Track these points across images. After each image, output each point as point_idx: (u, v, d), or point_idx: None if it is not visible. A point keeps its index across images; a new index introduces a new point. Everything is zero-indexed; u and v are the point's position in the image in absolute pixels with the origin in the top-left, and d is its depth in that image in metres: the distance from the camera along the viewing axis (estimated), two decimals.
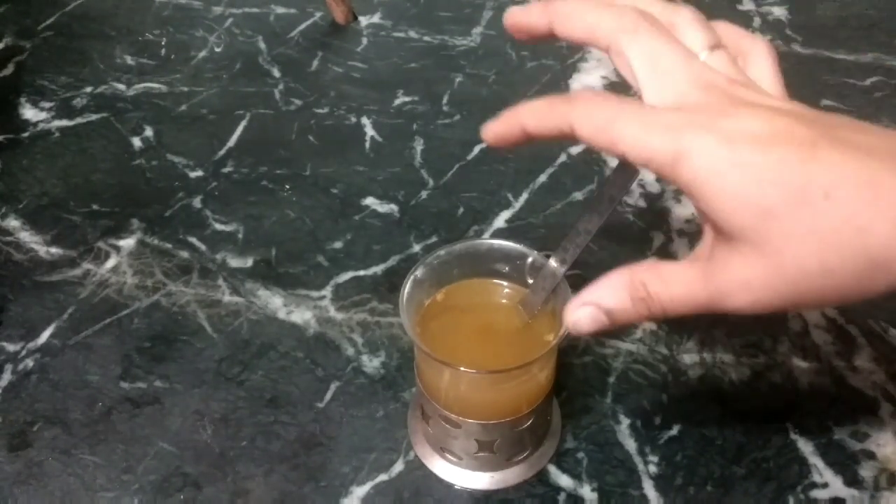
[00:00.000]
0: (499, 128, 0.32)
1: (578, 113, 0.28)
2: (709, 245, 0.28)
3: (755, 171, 0.24)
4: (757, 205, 0.24)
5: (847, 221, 0.23)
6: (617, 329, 0.29)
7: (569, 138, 0.29)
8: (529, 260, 0.37)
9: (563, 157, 0.57)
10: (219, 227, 0.53)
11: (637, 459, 0.39)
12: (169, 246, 0.51)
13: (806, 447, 0.40)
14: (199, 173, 0.57)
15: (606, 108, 0.27)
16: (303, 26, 0.72)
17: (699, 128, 0.25)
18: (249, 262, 0.50)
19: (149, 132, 0.60)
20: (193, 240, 0.52)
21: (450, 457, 0.38)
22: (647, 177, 0.55)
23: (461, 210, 0.53)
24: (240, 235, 0.52)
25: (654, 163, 0.26)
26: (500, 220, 0.52)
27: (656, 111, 0.27)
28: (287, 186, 0.56)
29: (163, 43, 0.70)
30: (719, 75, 0.28)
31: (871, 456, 0.39)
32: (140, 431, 0.41)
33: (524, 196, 0.54)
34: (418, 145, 0.59)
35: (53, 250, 0.51)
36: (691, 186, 0.25)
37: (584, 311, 0.29)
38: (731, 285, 0.26)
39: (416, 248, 0.51)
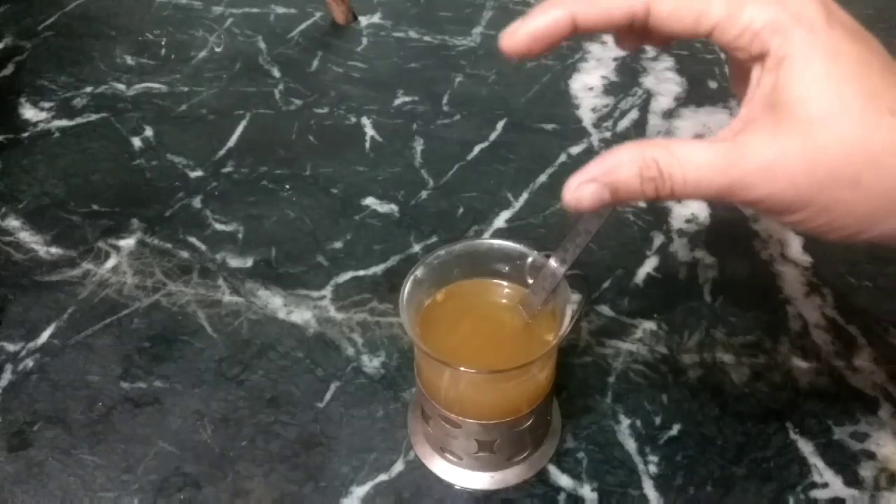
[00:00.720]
0: (535, 25, 0.26)
1: None
2: (743, 125, 0.26)
3: (847, 64, 0.25)
4: (836, 96, 0.24)
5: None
6: (622, 202, 0.27)
7: (636, 26, 0.26)
8: (529, 260, 0.37)
9: (563, 157, 0.57)
10: (219, 227, 0.53)
11: (637, 459, 0.39)
12: (169, 246, 0.51)
13: (806, 447, 0.40)
14: (199, 173, 0.57)
15: None
16: (303, 26, 0.72)
17: (805, 4, 0.25)
18: (249, 262, 0.50)
19: (149, 132, 0.60)
20: (193, 240, 0.52)
21: (450, 457, 0.38)
22: None
23: (461, 210, 0.53)
24: (240, 235, 0.52)
25: (749, 33, 0.25)
26: (500, 220, 0.52)
27: None
28: (287, 186, 0.56)
29: (163, 43, 0.70)
30: None
31: (871, 456, 0.39)
32: (140, 431, 0.41)
33: (524, 196, 0.54)
34: (418, 145, 0.59)
35: (53, 250, 0.51)
36: (785, 55, 0.25)
37: (587, 188, 0.26)
38: (756, 173, 0.25)
39: (416, 248, 0.51)
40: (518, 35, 0.27)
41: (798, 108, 0.25)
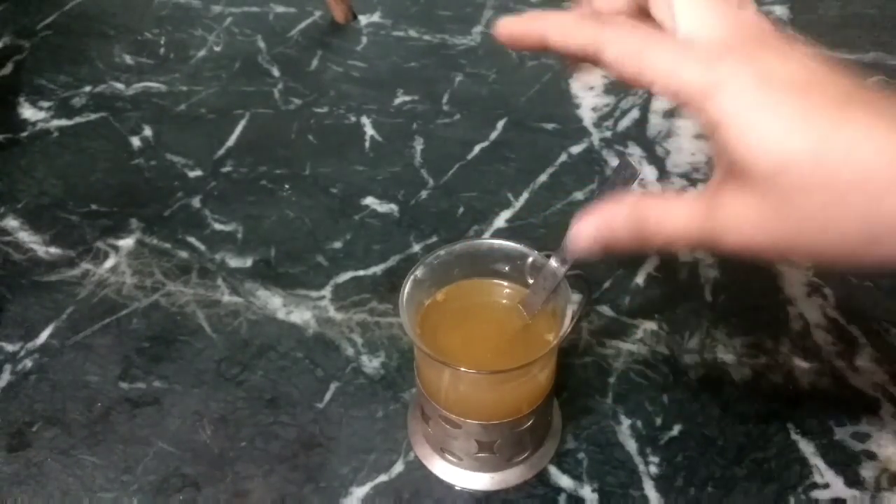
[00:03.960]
0: (516, 28, 0.30)
1: (609, 36, 0.27)
2: (716, 183, 0.28)
3: (786, 117, 0.24)
4: (780, 150, 0.24)
5: (861, 185, 0.23)
6: (613, 253, 0.29)
7: (588, 60, 0.28)
8: (530, 260, 0.36)
9: (563, 157, 0.57)
10: (218, 226, 0.52)
11: (638, 460, 0.39)
12: (168, 246, 0.51)
13: (807, 447, 0.39)
14: (199, 173, 0.57)
15: (639, 35, 0.27)
16: (302, 25, 0.72)
17: (736, 63, 0.25)
18: (249, 262, 0.50)
19: (148, 132, 0.60)
20: (192, 240, 0.51)
21: (450, 457, 0.38)
22: (649, 176, 0.55)
23: (461, 210, 0.53)
24: (239, 235, 0.52)
25: (683, 94, 0.26)
26: (501, 220, 0.52)
27: (691, 43, 0.27)
28: (286, 186, 0.55)
29: (162, 42, 0.70)
30: (759, 18, 0.27)
31: (872, 456, 0.39)
32: (139, 432, 0.41)
33: (524, 196, 0.54)
34: (418, 145, 0.58)
35: (52, 250, 0.51)
36: (718, 121, 0.25)
37: (586, 229, 0.29)
38: (729, 223, 0.26)
39: (416, 248, 0.51)
40: (505, 27, 0.30)
41: (746, 170, 0.25)
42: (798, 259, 0.26)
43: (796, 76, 0.25)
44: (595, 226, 0.29)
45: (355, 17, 0.72)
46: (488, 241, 0.38)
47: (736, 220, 0.26)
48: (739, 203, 0.26)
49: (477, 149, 0.58)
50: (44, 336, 0.46)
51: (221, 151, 0.58)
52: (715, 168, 0.29)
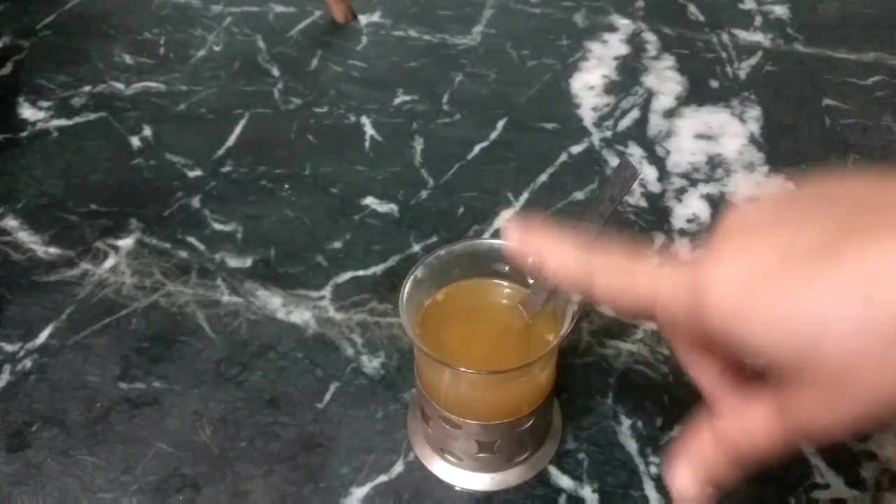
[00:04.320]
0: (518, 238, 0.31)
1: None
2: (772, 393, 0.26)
3: (777, 306, 0.22)
4: (793, 336, 0.22)
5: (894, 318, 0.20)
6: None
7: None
8: (530, 260, 0.36)
9: (563, 157, 0.57)
10: (218, 226, 0.52)
11: (638, 460, 0.39)
12: (167, 246, 0.51)
13: (807, 448, 0.39)
14: (198, 173, 0.57)
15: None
16: (302, 25, 0.72)
17: (714, 264, 0.24)
18: (248, 262, 0.50)
19: (147, 132, 0.60)
20: (192, 240, 0.51)
21: (450, 458, 0.38)
22: (649, 176, 0.55)
23: (461, 210, 0.53)
24: (239, 235, 0.52)
25: (669, 315, 0.26)
26: (501, 220, 0.52)
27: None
28: (286, 186, 0.55)
29: (161, 42, 0.70)
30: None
31: (872, 457, 0.39)
32: (139, 432, 0.41)
33: (525, 196, 0.54)
34: (418, 145, 0.58)
35: (52, 250, 0.51)
36: (722, 333, 0.24)
37: (684, 481, 0.27)
38: (811, 417, 0.24)
39: (416, 247, 0.50)
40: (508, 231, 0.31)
41: (778, 366, 0.23)
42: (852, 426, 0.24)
43: (764, 257, 0.23)
44: (692, 475, 0.27)
45: (355, 17, 0.72)
46: (488, 241, 0.38)
47: (814, 417, 0.23)
48: (805, 399, 0.23)
49: (477, 149, 0.58)
50: (43, 336, 0.46)
51: (221, 151, 0.58)
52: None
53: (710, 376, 0.30)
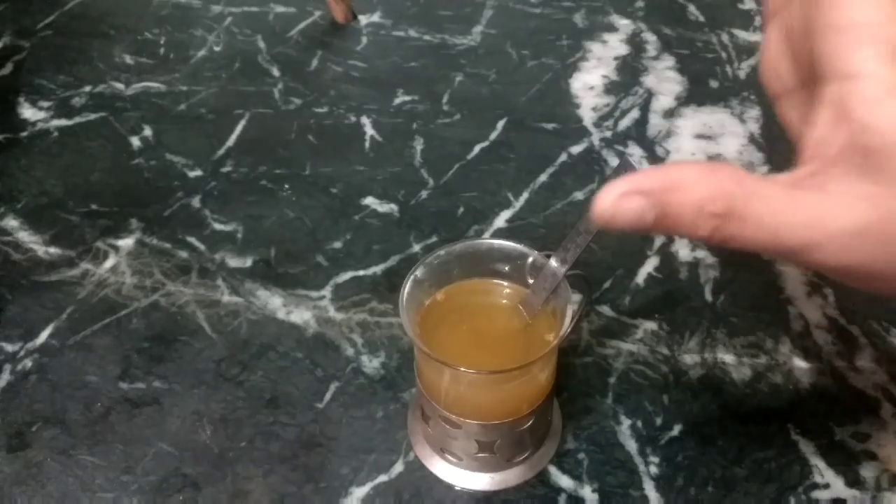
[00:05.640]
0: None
1: None
2: (811, 172, 0.21)
3: None
4: None
5: None
6: (661, 233, 0.23)
7: None
8: (530, 260, 0.36)
9: (563, 157, 0.57)
10: (218, 226, 0.52)
11: (638, 460, 0.39)
12: (168, 246, 0.51)
13: (807, 448, 0.39)
14: (199, 173, 0.57)
15: None
16: (302, 25, 0.72)
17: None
18: (249, 262, 0.50)
19: (148, 132, 0.60)
20: (192, 240, 0.51)
21: (450, 457, 0.38)
22: None
23: (461, 210, 0.53)
24: (239, 235, 0.52)
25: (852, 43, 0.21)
26: (501, 220, 0.52)
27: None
28: (286, 186, 0.55)
29: (162, 42, 0.70)
30: None
31: (872, 456, 0.39)
32: (139, 432, 0.41)
33: (524, 196, 0.54)
34: (418, 145, 0.58)
35: (52, 250, 0.51)
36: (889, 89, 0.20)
37: (632, 202, 0.22)
38: (845, 238, 0.20)
39: (416, 247, 0.51)
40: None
41: (873, 145, 0.20)
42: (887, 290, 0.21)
43: None
44: (644, 190, 0.22)
45: (355, 17, 0.72)
46: (488, 241, 0.38)
47: (861, 233, 0.20)
48: (877, 208, 0.20)
49: (477, 149, 0.58)
50: (43, 336, 0.46)
51: (221, 151, 0.58)
52: (811, 148, 0.22)
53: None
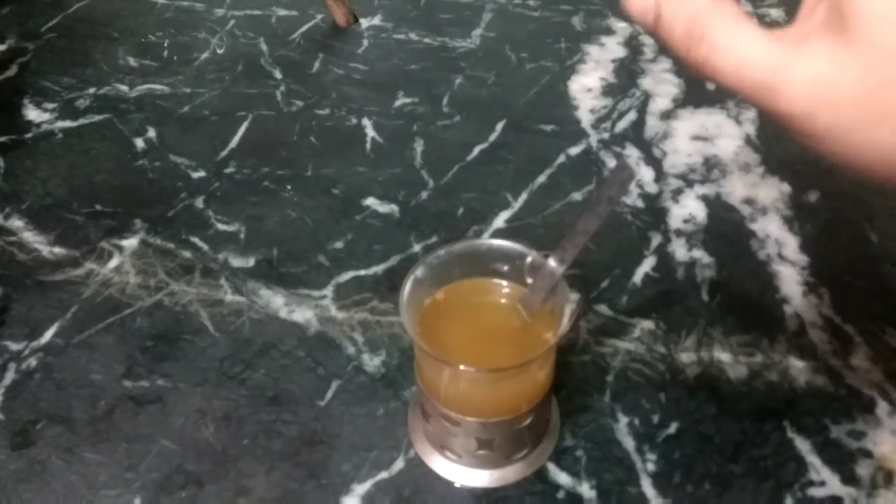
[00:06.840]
0: None
1: None
2: (797, 32, 0.23)
3: None
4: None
5: None
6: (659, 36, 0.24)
7: None
8: (529, 259, 0.37)
9: (561, 158, 0.57)
10: (221, 227, 0.53)
11: (635, 457, 0.40)
12: (171, 246, 0.52)
13: (803, 445, 0.40)
14: (202, 174, 0.57)
15: None
16: (304, 28, 0.72)
17: None
18: (251, 262, 0.50)
19: (151, 133, 0.61)
20: (196, 240, 0.52)
21: (450, 455, 0.39)
22: (645, 177, 0.56)
23: (461, 210, 0.54)
24: (242, 235, 0.52)
25: None
26: (500, 221, 0.53)
27: None
28: (288, 187, 0.56)
29: (165, 45, 0.70)
30: None
31: (867, 454, 0.39)
32: (142, 430, 0.41)
33: (523, 196, 0.54)
34: (418, 146, 0.59)
35: (57, 250, 0.52)
36: None
37: (645, 1, 0.24)
38: (803, 86, 0.21)
39: (417, 247, 0.51)
40: None
41: (863, 27, 0.20)
42: (847, 157, 0.22)
43: None
44: (645, 4, 0.24)
45: (356, 21, 0.73)
46: (488, 241, 0.39)
47: (819, 86, 0.21)
48: (831, 67, 0.21)
49: (476, 150, 0.58)
50: (48, 335, 0.46)
51: (224, 153, 0.59)
52: (804, 10, 0.24)
53: None
